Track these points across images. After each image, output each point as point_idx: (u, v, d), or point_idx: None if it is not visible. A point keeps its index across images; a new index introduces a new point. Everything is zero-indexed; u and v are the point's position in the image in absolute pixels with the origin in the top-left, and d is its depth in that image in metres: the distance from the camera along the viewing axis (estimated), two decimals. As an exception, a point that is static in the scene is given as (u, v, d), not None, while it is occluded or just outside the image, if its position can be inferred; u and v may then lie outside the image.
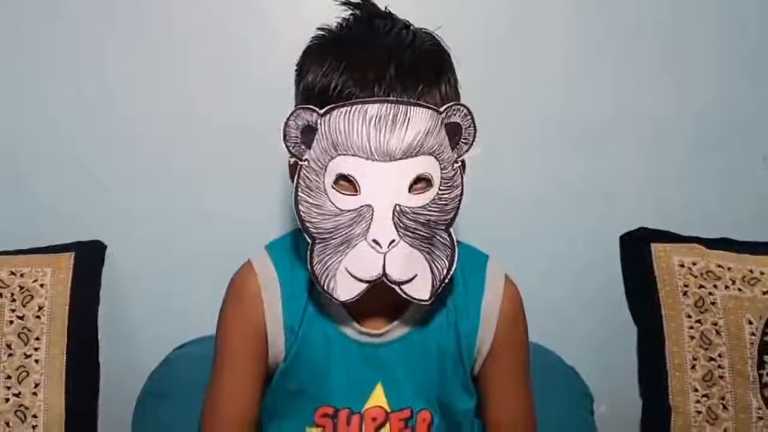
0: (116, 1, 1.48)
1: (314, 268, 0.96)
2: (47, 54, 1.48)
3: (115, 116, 1.50)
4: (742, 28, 1.57)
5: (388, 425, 1.09)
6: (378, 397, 1.09)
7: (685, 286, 1.48)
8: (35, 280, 1.41)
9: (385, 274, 0.94)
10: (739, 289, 1.46)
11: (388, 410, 1.09)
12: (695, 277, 1.48)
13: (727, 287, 1.47)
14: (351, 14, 1.03)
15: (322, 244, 0.95)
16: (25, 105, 1.50)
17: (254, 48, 1.50)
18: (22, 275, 1.41)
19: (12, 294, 1.40)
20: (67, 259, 1.45)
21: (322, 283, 0.96)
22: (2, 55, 1.48)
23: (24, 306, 1.40)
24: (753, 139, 1.60)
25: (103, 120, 1.50)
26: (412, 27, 1.03)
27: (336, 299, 0.97)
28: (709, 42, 1.57)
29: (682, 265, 1.49)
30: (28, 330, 1.39)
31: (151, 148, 1.52)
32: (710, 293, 1.47)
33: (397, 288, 0.96)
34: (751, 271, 1.47)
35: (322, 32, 1.03)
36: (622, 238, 1.57)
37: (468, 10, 1.51)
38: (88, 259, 1.48)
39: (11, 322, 1.38)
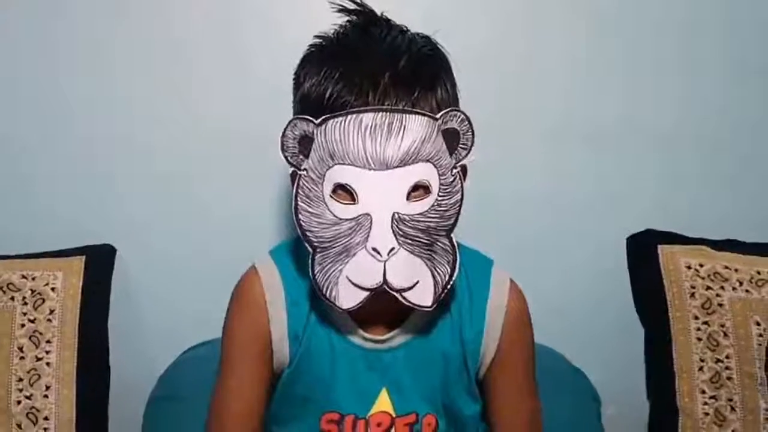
0: (117, 1, 1.49)
1: (316, 277, 0.96)
2: (49, 54, 1.49)
3: (119, 119, 1.51)
4: (748, 30, 1.56)
5: (393, 430, 1.09)
6: (383, 403, 1.09)
7: (692, 287, 1.48)
8: (47, 284, 1.43)
9: (386, 281, 0.94)
10: (747, 291, 1.46)
11: (393, 415, 1.09)
12: (702, 278, 1.48)
13: (734, 289, 1.46)
14: (347, 21, 1.03)
15: (322, 253, 0.96)
16: (27, 107, 1.51)
17: (255, 48, 1.51)
18: (33, 279, 1.43)
19: (24, 297, 1.41)
20: (79, 263, 1.46)
21: (324, 292, 0.97)
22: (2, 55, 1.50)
23: (35, 309, 1.41)
24: (760, 140, 1.59)
25: (106, 123, 1.51)
26: (408, 32, 1.03)
27: (338, 307, 0.97)
28: (716, 43, 1.56)
29: (689, 267, 1.49)
30: (40, 333, 1.40)
31: (162, 151, 1.53)
32: (717, 295, 1.46)
33: (398, 295, 0.96)
34: (759, 273, 1.47)
35: (319, 40, 1.04)
36: (628, 240, 1.57)
37: (472, 11, 1.51)
38: (99, 262, 1.49)
39: (23, 325, 1.40)
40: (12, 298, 1.41)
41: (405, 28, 1.03)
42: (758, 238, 1.55)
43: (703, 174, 1.59)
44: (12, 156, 1.52)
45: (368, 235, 0.93)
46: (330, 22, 1.04)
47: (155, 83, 1.51)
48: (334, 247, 0.95)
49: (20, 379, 1.38)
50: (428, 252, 0.96)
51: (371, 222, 0.93)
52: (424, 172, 0.94)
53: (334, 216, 0.94)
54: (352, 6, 1.03)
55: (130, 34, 1.49)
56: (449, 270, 0.98)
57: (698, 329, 1.46)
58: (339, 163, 0.93)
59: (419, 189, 0.95)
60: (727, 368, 1.44)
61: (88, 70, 1.50)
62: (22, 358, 1.39)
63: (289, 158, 0.95)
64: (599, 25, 1.55)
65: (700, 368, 1.46)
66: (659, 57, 1.56)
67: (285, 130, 0.94)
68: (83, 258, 1.47)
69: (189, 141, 1.52)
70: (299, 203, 0.96)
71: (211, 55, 1.50)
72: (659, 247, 1.52)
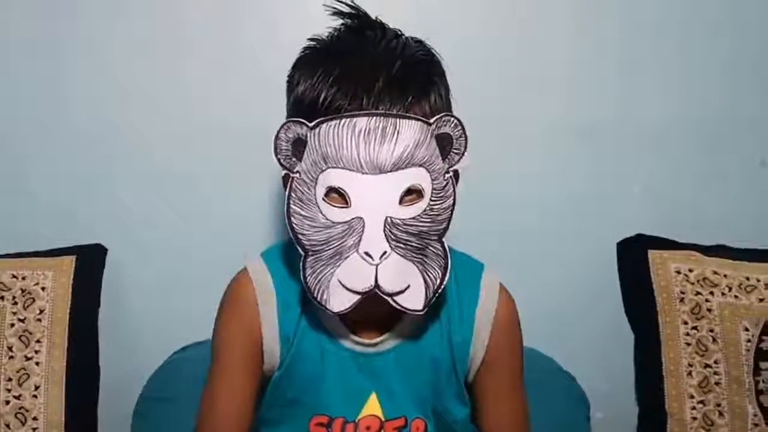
0: (118, 1, 1.49)
1: (307, 280, 0.96)
2: (48, 54, 1.49)
3: (118, 118, 1.51)
4: (744, 31, 1.57)
5: (381, 434, 1.10)
6: (372, 406, 1.09)
7: (682, 292, 1.48)
8: (37, 283, 1.43)
9: (377, 285, 0.94)
10: (736, 296, 1.46)
11: (383, 419, 1.09)
12: (692, 284, 1.48)
13: (723, 294, 1.47)
14: (342, 24, 1.03)
15: (314, 256, 0.96)
16: (25, 105, 1.51)
17: (255, 48, 1.51)
18: (23, 278, 1.43)
19: (13, 297, 1.41)
20: (69, 263, 1.46)
21: (315, 295, 0.97)
22: (2, 55, 1.50)
23: (25, 309, 1.41)
24: (752, 144, 1.60)
25: (105, 122, 1.51)
26: (402, 37, 1.03)
27: (329, 311, 0.97)
28: (711, 45, 1.56)
29: (679, 272, 1.50)
30: (29, 333, 1.40)
31: (153, 150, 1.53)
32: (707, 300, 1.47)
33: (390, 299, 0.96)
34: (748, 279, 1.48)
35: (313, 43, 1.04)
36: (619, 244, 1.57)
37: (467, 14, 1.51)
38: (90, 262, 1.49)
39: (12, 324, 1.40)
40: (2, 298, 1.41)
41: (399, 32, 1.03)
42: (756, 238, 1.55)
43: (701, 175, 1.60)
44: (10, 155, 1.52)
45: (360, 239, 0.93)
46: (327, 23, 1.03)
47: (155, 82, 1.51)
48: (326, 251, 0.95)
49: (9, 379, 1.38)
50: (420, 256, 0.96)
51: (364, 226, 0.93)
52: (417, 177, 0.94)
53: (327, 219, 0.94)
54: (346, 9, 1.03)
55: (130, 33, 1.49)
56: (440, 274, 0.98)
57: (687, 334, 1.47)
58: (332, 167, 0.93)
59: (412, 193, 0.95)
60: (715, 373, 1.45)
61: (88, 70, 1.50)
62: (11, 357, 1.39)
63: (281, 161, 0.95)
64: (593, 26, 1.55)
65: (689, 373, 1.46)
66: (652, 59, 1.56)
67: (278, 132, 0.94)
68: (74, 257, 1.47)
69: (188, 140, 1.52)
70: (292, 206, 0.96)
71: (211, 55, 1.50)
72: (649, 252, 1.53)
